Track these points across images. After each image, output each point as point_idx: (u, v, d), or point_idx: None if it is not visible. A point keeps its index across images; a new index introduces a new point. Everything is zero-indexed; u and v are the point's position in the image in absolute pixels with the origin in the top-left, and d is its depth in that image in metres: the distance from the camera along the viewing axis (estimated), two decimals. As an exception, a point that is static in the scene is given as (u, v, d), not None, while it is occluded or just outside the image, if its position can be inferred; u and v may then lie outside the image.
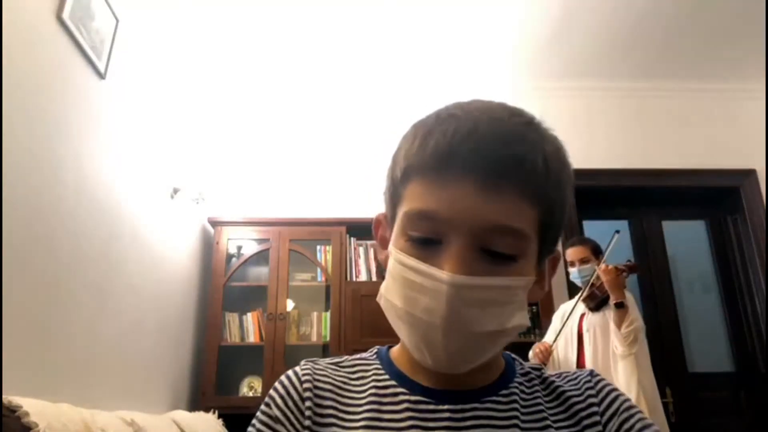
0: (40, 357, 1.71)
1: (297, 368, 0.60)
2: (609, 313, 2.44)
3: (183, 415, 2.34)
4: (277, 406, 0.57)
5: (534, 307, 3.05)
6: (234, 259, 3.16)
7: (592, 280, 2.51)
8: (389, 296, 0.54)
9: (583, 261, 2.59)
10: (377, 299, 0.57)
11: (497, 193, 0.50)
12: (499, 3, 2.95)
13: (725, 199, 3.58)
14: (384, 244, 0.60)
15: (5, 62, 1.56)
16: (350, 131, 3.50)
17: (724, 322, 3.50)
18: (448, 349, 0.51)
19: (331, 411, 0.57)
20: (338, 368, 0.62)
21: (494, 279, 0.50)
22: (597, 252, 2.62)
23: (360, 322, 2.94)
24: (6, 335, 1.51)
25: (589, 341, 2.48)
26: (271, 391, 0.59)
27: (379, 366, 0.61)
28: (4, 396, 1.30)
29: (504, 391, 0.58)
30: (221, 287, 3.06)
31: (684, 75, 3.60)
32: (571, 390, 0.59)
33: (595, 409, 0.57)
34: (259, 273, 3.21)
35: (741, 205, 3.50)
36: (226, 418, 2.65)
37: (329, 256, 3.14)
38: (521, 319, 0.53)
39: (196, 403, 2.90)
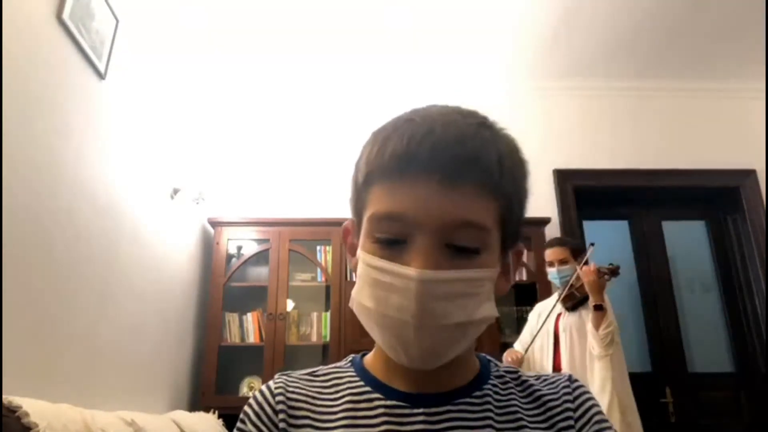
0: (40, 357, 1.71)
1: (270, 382, 0.62)
2: (585, 314, 2.48)
3: (183, 415, 2.34)
4: (251, 422, 0.58)
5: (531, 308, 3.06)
6: (234, 260, 3.16)
7: (571, 281, 2.53)
8: (360, 299, 0.56)
9: (562, 262, 2.60)
10: (349, 304, 0.59)
11: (457, 189, 0.52)
12: (500, 3, 2.95)
13: (725, 199, 3.58)
14: (353, 251, 0.62)
15: (5, 62, 1.56)
16: (350, 131, 3.50)
17: (724, 322, 3.50)
18: (422, 344, 0.52)
19: (306, 421, 0.57)
20: (312, 378, 0.63)
21: (460, 272, 0.52)
22: (576, 253, 2.64)
23: (360, 322, 2.93)
24: (6, 335, 1.51)
25: (565, 342, 2.50)
26: (246, 407, 0.60)
27: (354, 374, 0.62)
28: (4, 396, 1.30)
29: (477, 393, 0.59)
30: (221, 287, 3.06)
31: (684, 75, 3.60)
32: (548, 393, 0.60)
33: (570, 414, 0.58)
34: (259, 273, 3.21)
35: (741, 205, 3.50)
36: (226, 418, 2.64)
37: (329, 256, 3.14)
38: (489, 310, 0.55)
39: (196, 403, 2.90)
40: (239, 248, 3.19)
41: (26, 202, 1.66)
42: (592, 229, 3.54)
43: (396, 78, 3.58)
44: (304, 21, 3.08)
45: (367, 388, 0.59)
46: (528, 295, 3.11)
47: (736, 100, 3.67)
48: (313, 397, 0.60)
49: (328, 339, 2.99)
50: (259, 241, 3.19)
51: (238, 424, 0.59)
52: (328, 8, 2.97)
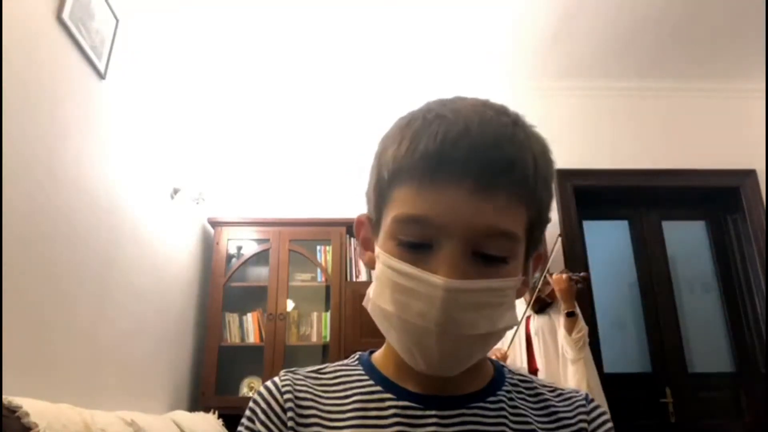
0: (40, 357, 1.71)
1: (276, 379, 0.60)
2: (555, 316, 2.54)
3: (183, 415, 2.34)
4: (259, 420, 0.57)
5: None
6: (234, 260, 3.16)
7: (539, 286, 2.56)
8: (379, 301, 0.54)
9: None
10: (364, 303, 0.57)
11: (490, 196, 0.49)
12: (499, 3, 2.95)
13: (725, 199, 3.58)
14: (366, 245, 0.60)
15: (5, 62, 1.56)
16: (350, 131, 3.50)
17: (724, 322, 3.50)
18: (443, 353, 0.51)
19: (314, 420, 0.56)
20: (318, 376, 0.61)
21: (487, 282, 0.50)
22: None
23: (360, 323, 2.93)
24: (6, 335, 1.51)
25: (539, 344, 2.55)
26: (252, 404, 0.58)
27: (363, 372, 0.61)
28: (4, 396, 1.30)
29: (491, 398, 0.57)
30: (221, 287, 3.06)
31: (684, 75, 3.60)
32: (562, 409, 0.59)
33: None
34: (259, 273, 3.21)
35: (741, 205, 3.50)
36: (226, 418, 2.65)
37: (329, 256, 3.14)
38: (511, 319, 0.54)
39: (196, 403, 2.90)
40: (239, 248, 3.19)
41: (26, 201, 1.66)
42: (592, 229, 3.54)
43: (396, 79, 3.58)
44: (305, 21, 3.08)
45: (378, 388, 0.58)
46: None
47: (736, 100, 3.67)
48: (320, 395, 0.58)
49: (328, 339, 2.99)
50: (259, 241, 3.19)
51: (245, 422, 0.57)
52: (331, 16, 2.97)
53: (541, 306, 2.59)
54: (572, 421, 0.58)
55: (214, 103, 3.51)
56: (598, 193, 3.54)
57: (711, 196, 3.62)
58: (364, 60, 3.45)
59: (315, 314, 3.10)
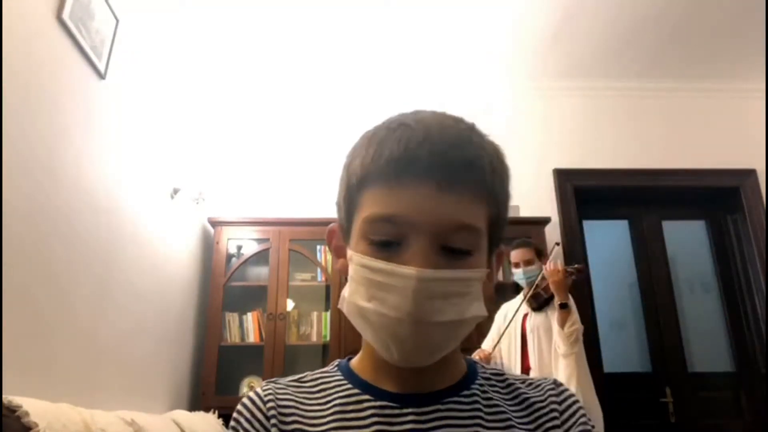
0: (40, 357, 1.71)
1: (258, 389, 0.62)
2: (552, 314, 2.52)
3: (183, 415, 2.34)
4: (244, 429, 0.58)
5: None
6: (234, 259, 3.16)
7: (537, 281, 2.56)
8: (354, 299, 0.56)
9: (528, 262, 2.65)
10: (339, 305, 0.59)
11: (454, 193, 0.53)
12: (499, 3, 2.95)
13: (725, 199, 3.58)
14: (339, 252, 0.63)
15: (5, 62, 1.56)
16: (350, 131, 3.49)
17: (724, 322, 3.50)
18: (416, 341, 0.53)
19: (295, 426, 0.58)
20: (300, 384, 0.63)
21: (455, 272, 0.54)
22: (540, 254, 2.71)
23: (360, 322, 2.93)
24: (6, 335, 1.51)
25: (533, 342, 2.54)
26: (236, 414, 0.60)
27: (341, 377, 0.63)
28: (4, 396, 1.30)
29: (465, 392, 0.60)
30: (221, 287, 3.06)
31: (684, 75, 3.60)
32: (533, 396, 0.62)
33: (555, 414, 0.60)
34: (259, 273, 3.21)
35: (741, 205, 3.50)
36: (226, 418, 2.64)
37: (329, 256, 3.14)
38: (478, 309, 0.56)
39: (196, 403, 2.90)
40: (239, 248, 3.19)
41: (26, 201, 1.66)
42: (592, 229, 3.54)
43: (396, 79, 3.58)
44: (305, 21, 3.08)
45: (356, 391, 0.60)
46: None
47: (736, 100, 3.67)
48: (302, 403, 0.60)
49: (328, 339, 2.99)
50: (259, 240, 3.19)
51: None
52: (333, 19, 2.97)
53: (540, 304, 2.58)
54: (543, 404, 0.61)
55: (214, 103, 3.51)
56: (598, 193, 3.54)
57: (711, 196, 3.62)
58: (364, 60, 3.45)
59: (315, 314, 3.10)
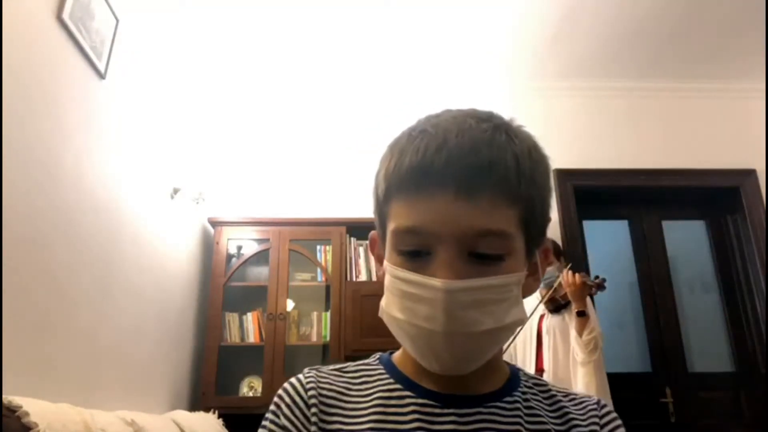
0: (40, 357, 1.71)
1: (300, 376, 0.62)
2: (569, 317, 2.48)
3: (183, 415, 2.34)
4: (284, 414, 0.58)
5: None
6: (234, 259, 3.16)
7: (555, 286, 2.50)
8: (389, 310, 0.56)
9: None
10: (379, 314, 0.59)
11: (473, 199, 0.52)
12: (499, 3, 2.95)
13: (725, 199, 3.58)
14: (380, 260, 0.63)
15: (5, 62, 1.56)
16: (350, 132, 3.50)
17: (724, 322, 3.50)
18: (453, 352, 0.53)
19: (336, 418, 0.58)
20: (341, 374, 0.63)
21: (485, 279, 0.53)
22: (558, 253, 2.66)
23: (360, 323, 2.93)
24: (6, 335, 1.51)
25: (548, 343, 2.50)
26: (277, 399, 0.60)
27: (383, 371, 0.63)
28: (4, 396, 1.30)
29: (508, 398, 0.59)
30: (221, 287, 3.06)
31: (684, 75, 3.60)
32: (575, 412, 0.61)
33: None
34: (259, 273, 3.21)
35: (741, 205, 3.50)
36: (226, 418, 2.65)
37: (329, 256, 3.14)
38: (518, 314, 0.55)
39: (196, 403, 2.90)
40: (239, 248, 3.19)
41: (26, 201, 1.66)
42: (592, 229, 3.54)
43: (397, 79, 3.58)
44: (306, 21, 3.08)
45: (398, 386, 0.60)
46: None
47: (736, 100, 3.67)
48: (343, 393, 0.60)
49: (328, 339, 2.99)
50: (259, 241, 3.19)
51: (270, 416, 0.59)
52: (334, 22, 2.97)
53: (556, 306, 2.52)
54: (584, 423, 0.60)
55: (214, 103, 3.51)
56: (598, 193, 3.54)
57: (711, 196, 3.62)
58: (364, 60, 3.44)
59: (315, 314, 3.10)
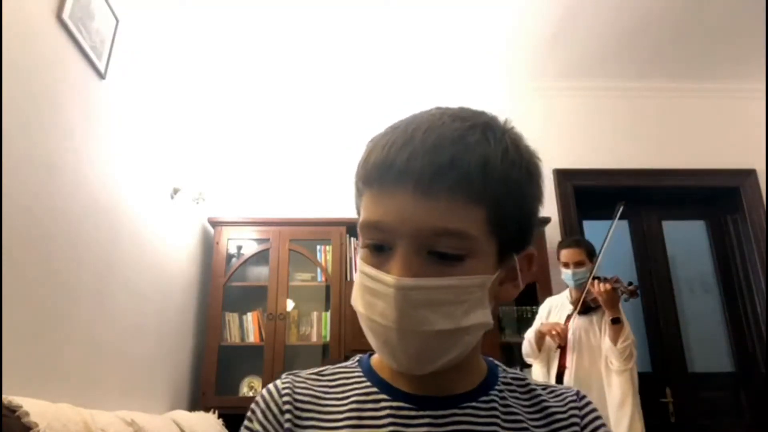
0: (40, 357, 1.71)
1: (278, 381, 0.62)
2: (597, 319, 2.47)
3: (183, 415, 2.34)
4: (258, 420, 0.59)
5: (534, 307, 3.05)
6: (234, 259, 3.16)
7: (588, 288, 2.46)
8: (356, 304, 0.57)
9: (578, 264, 2.55)
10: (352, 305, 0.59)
11: (431, 197, 0.51)
12: (499, 3, 2.95)
13: (725, 199, 3.58)
14: None
15: (5, 62, 1.56)
16: (350, 132, 3.50)
17: (724, 322, 3.50)
18: (407, 350, 0.53)
19: (311, 422, 0.58)
20: (319, 378, 0.63)
21: (441, 279, 0.52)
22: (591, 255, 2.60)
23: (359, 322, 2.93)
24: (6, 335, 1.51)
25: (573, 344, 2.48)
26: (253, 405, 0.61)
27: (361, 374, 0.62)
28: (4, 396, 1.30)
29: (484, 398, 0.59)
30: (221, 287, 3.06)
31: (684, 75, 3.60)
32: (555, 405, 0.61)
33: (576, 429, 0.59)
34: (259, 273, 3.21)
35: (741, 205, 3.50)
36: (226, 418, 2.65)
37: (329, 256, 3.14)
38: (482, 317, 0.54)
39: (196, 403, 2.90)
40: (239, 248, 3.19)
41: (26, 201, 1.66)
42: (592, 229, 3.53)
43: (396, 79, 3.58)
44: (306, 20, 3.08)
45: (374, 389, 0.59)
46: (528, 294, 3.11)
47: (736, 100, 3.67)
48: (320, 397, 0.60)
49: (328, 339, 2.99)
50: (259, 241, 3.19)
51: (246, 423, 0.60)
52: (335, 22, 2.97)
53: (586, 308, 2.49)
54: (564, 416, 0.59)
55: (214, 103, 3.51)
56: (598, 193, 3.54)
57: (711, 196, 3.63)
58: (364, 60, 3.45)
59: (315, 314, 3.10)
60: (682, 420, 3.15)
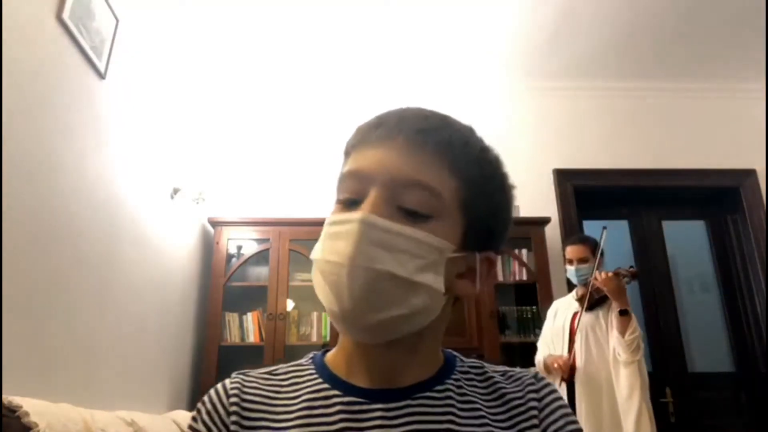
0: (40, 357, 1.71)
1: (226, 381, 0.61)
2: (603, 314, 2.47)
3: (183, 415, 2.34)
4: (203, 421, 0.58)
5: (534, 307, 3.06)
6: (234, 259, 3.16)
7: (591, 282, 2.48)
8: (314, 255, 0.58)
9: (582, 260, 2.57)
10: (311, 273, 0.60)
11: (417, 154, 0.55)
12: (499, 2, 2.95)
13: (725, 199, 3.58)
14: None
15: (5, 62, 1.56)
16: (350, 131, 3.50)
17: (724, 322, 3.50)
18: (353, 289, 0.51)
19: (261, 423, 0.57)
20: (270, 377, 0.62)
21: (403, 227, 0.53)
22: (595, 250, 2.60)
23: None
24: (6, 335, 1.51)
25: (581, 341, 2.47)
26: (199, 405, 0.60)
27: (314, 371, 0.61)
28: (4, 396, 1.30)
29: (439, 387, 0.58)
30: (221, 287, 3.06)
31: (683, 75, 3.60)
32: (513, 391, 0.60)
33: (534, 412, 0.58)
34: (259, 273, 3.21)
35: (741, 205, 3.50)
36: (226, 418, 2.64)
37: (329, 256, 3.13)
38: (433, 281, 0.53)
39: (196, 403, 2.89)
40: (239, 248, 3.19)
41: (26, 201, 1.66)
42: (592, 229, 3.53)
43: (396, 79, 3.58)
44: (306, 20, 3.08)
45: (326, 386, 0.58)
46: (529, 295, 3.12)
47: (736, 100, 3.67)
48: (271, 397, 0.59)
49: (328, 339, 2.99)
50: (259, 240, 3.19)
51: (191, 422, 0.59)
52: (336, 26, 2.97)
53: (591, 305, 2.49)
54: (522, 401, 0.59)
55: (214, 103, 3.51)
56: (598, 193, 3.54)
57: (711, 196, 3.63)
58: (364, 59, 3.45)
59: (315, 314, 3.10)
60: (682, 420, 3.15)
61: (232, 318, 3.06)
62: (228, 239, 3.16)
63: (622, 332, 2.32)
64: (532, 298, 3.08)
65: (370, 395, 0.56)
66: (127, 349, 2.28)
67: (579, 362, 2.45)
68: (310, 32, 3.18)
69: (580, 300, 2.53)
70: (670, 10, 3.01)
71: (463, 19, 3.08)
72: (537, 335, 2.98)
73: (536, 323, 3.02)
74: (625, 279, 2.43)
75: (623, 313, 2.33)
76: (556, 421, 0.58)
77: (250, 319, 3.06)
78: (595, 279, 2.44)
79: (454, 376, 0.60)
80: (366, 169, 0.56)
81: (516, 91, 3.66)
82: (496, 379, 0.61)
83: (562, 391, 2.41)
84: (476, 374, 0.62)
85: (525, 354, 3.03)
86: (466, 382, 0.60)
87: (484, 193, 0.58)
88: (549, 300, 2.99)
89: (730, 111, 3.67)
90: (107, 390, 2.10)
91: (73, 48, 1.92)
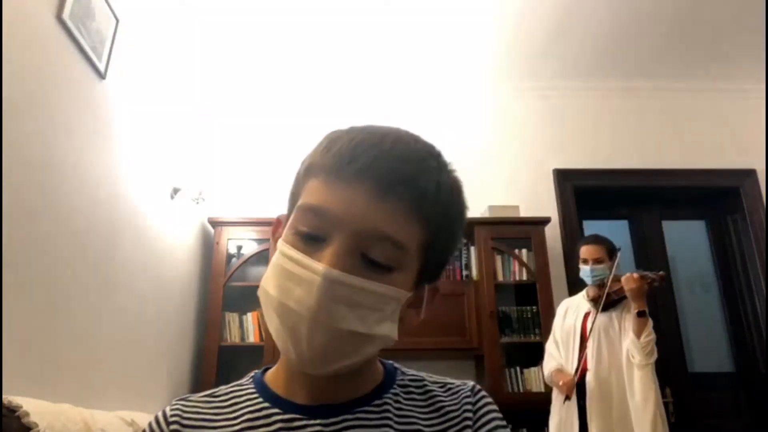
0: (40, 357, 1.70)
1: (166, 408, 0.61)
2: (616, 316, 2.45)
3: (183, 415, 2.34)
4: None
5: (534, 307, 3.06)
6: (234, 259, 3.16)
7: (608, 284, 2.45)
8: (266, 286, 0.55)
9: (597, 261, 2.56)
10: (258, 292, 0.57)
11: (386, 203, 0.52)
12: (499, 2, 2.95)
13: (725, 199, 3.58)
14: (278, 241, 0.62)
15: (5, 62, 1.56)
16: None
17: (724, 322, 3.50)
18: (312, 343, 0.51)
19: None
20: (211, 400, 0.62)
21: (367, 282, 0.52)
22: (611, 252, 2.59)
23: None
24: (6, 335, 1.51)
25: (593, 342, 2.45)
26: None
27: (253, 390, 0.62)
28: (4, 396, 1.30)
29: (377, 401, 0.59)
30: (221, 287, 3.05)
31: (684, 75, 3.60)
32: (449, 403, 0.60)
33: (468, 422, 0.59)
34: (259, 273, 3.20)
35: (741, 205, 3.50)
36: (226, 418, 2.64)
37: (329, 256, 3.13)
38: (390, 330, 0.54)
39: (196, 403, 2.90)
40: (239, 248, 3.19)
41: (26, 201, 1.66)
42: (592, 229, 3.53)
43: (395, 80, 3.58)
44: (306, 21, 3.08)
45: (266, 404, 0.59)
46: (529, 295, 3.11)
47: (736, 100, 3.68)
48: (211, 420, 0.59)
49: (328, 339, 2.99)
50: (259, 241, 3.19)
51: None
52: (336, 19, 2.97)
53: (605, 306, 2.47)
54: (457, 412, 0.59)
55: (214, 103, 3.51)
56: (598, 193, 3.54)
57: (711, 196, 3.63)
58: (364, 60, 3.45)
59: (315, 314, 3.10)
60: (682, 420, 3.15)
61: (232, 318, 3.06)
62: (228, 239, 3.15)
63: (638, 334, 2.30)
64: (532, 298, 3.08)
65: (309, 412, 0.57)
66: (127, 349, 2.28)
67: (591, 364, 2.42)
68: (309, 35, 3.19)
69: (593, 300, 2.50)
70: (671, 11, 3.01)
71: (464, 19, 3.08)
72: (537, 335, 2.98)
73: (536, 323, 3.02)
74: (655, 283, 2.40)
75: (641, 314, 2.31)
76: (488, 429, 0.59)
77: (250, 319, 3.06)
78: (616, 281, 2.41)
79: (393, 390, 0.60)
80: (333, 210, 0.52)
81: (516, 91, 3.66)
82: (435, 392, 0.62)
83: (568, 407, 2.40)
84: (415, 387, 0.62)
85: (525, 354, 3.03)
86: (405, 396, 0.61)
87: (446, 232, 0.58)
88: (549, 300, 3.00)
89: (730, 111, 3.67)
90: (107, 390, 2.10)
91: (73, 48, 1.92)
